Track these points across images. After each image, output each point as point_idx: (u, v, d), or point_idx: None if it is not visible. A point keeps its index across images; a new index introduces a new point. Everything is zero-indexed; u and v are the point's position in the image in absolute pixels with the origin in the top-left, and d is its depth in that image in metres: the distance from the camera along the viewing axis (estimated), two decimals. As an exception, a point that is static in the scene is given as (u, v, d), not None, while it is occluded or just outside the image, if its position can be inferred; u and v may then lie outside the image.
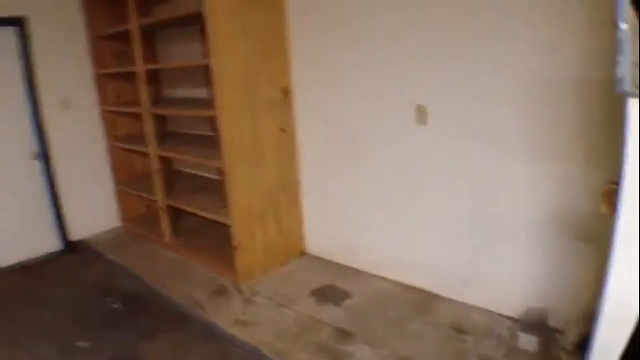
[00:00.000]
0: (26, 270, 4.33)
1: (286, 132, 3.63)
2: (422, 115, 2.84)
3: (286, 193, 3.75)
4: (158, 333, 3.13)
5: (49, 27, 4.32)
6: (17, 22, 4.16)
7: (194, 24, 3.30)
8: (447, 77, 2.70)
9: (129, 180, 4.86)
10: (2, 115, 4.25)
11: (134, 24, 3.84)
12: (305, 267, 3.72)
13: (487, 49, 2.50)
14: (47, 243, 4.60)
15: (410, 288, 3.23)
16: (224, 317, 3.15)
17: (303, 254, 3.91)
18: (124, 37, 4.16)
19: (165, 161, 4.39)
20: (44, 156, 4.46)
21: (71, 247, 4.68)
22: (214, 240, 4.10)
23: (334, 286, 3.34)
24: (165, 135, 4.63)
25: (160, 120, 4.41)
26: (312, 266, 3.72)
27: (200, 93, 4.34)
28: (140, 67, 3.96)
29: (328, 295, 3.24)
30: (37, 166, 4.46)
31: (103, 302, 3.61)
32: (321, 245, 3.83)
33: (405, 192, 3.12)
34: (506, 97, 2.50)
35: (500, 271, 2.79)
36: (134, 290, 3.75)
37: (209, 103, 3.55)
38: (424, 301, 3.08)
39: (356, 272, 3.52)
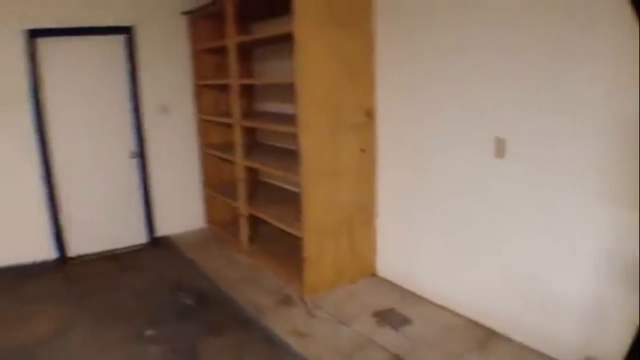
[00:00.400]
0: (114, 258, 4.76)
1: (366, 154, 3.73)
2: (500, 147, 2.83)
3: (361, 213, 3.82)
4: (220, 331, 3.30)
5: (154, 37, 4.77)
6: (126, 31, 4.64)
7: (287, 42, 3.50)
8: (528, 111, 2.67)
9: (215, 185, 5.17)
10: (107, 116, 4.74)
11: (231, 40, 4.12)
12: (372, 288, 3.75)
13: (571, 85, 2.46)
14: (136, 235, 5.01)
15: (472, 322, 3.16)
16: (284, 325, 3.26)
17: (372, 274, 3.95)
18: (222, 52, 4.48)
19: (251, 171, 4.63)
20: (141, 156, 4.89)
21: (156, 242, 5.06)
22: (287, 250, 4.24)
23: (396, 310, 3.35)
24: (253, 146, 4.88)
25: (249, 131, 4.68)
26: (379, 288, 3.74)
27: (290, 108, 4.55)
28: (235, 81, 4.24)
29: (389, 318, 3.26)
30: (134, 165, 4.90)
31: (176, 296, 3.87)
32: (391, 268, 3.86)
33: (477, 225, 3.08)
34: (587, 135, 2.43)
35: (562, 315, 2.68)
36: (206, 289, 3.98)
37: (295, 119, 3.73)
38: (483, 337, 3.01)
39: (420, 299, 3.50)
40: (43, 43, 4.37)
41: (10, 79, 4.28)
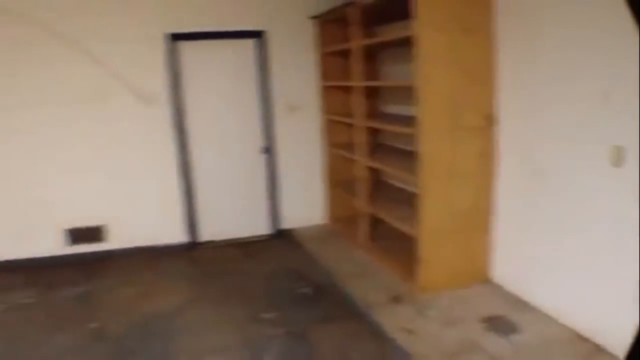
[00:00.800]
0: (239, 245, 5.24)
1: (484, 158, 3.73)
2: (618, 155, 2.71)
3: (477, 217, 3.82)
4: (332, 321, 3.54)
5: (283, 40, 5.15)
6: (258, 35, 5.07)
7: (410, 45, 3.61)
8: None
9: (337, 183, 5.41)
10: (239, 113, 5.23)
11: (356, 43, 4.33)
12: (483, 293, 3.74)
13: None
14: (261, 226, 5.44)
15: (581, 337, 3.06)
16: (393, 321, 3.38)
17: (485, 280, 3.93)
18: (347, 54, 4.71)
19: (372, 170, 4.81)
20: (269, 152, 5.29)
21: (279, 234, 5.44)
22: (403, 250, 4.33)
23: (505, 317, 3.33)
24: (375, 146, 5.06)
25: (372, 131, 4.85)
26: (491, 294, 3.72)
27: (412, 110, 4.66)
28: (358, 83, 4.44)
29: (497, 324, 3.25)
30: (263, 159, 5.31)
31: (294, 285, 4.19)
32: (505, 274, 3.81)
33: (596, 236, 2.98)
34: None
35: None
36: (322, 281, 4.25)
37: (415, 121, 3.84)
38: (590, 353, 2.89)
39: (532, 308, 3.43)
40: (183, 46, 4.96)
41: (154, 78, 4.92)
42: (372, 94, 5.06)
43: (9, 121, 4.74)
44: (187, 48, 4.99)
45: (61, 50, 4.66)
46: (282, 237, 5.42)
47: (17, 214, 4.95)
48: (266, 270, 4.57)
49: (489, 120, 3.65)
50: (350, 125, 4.96)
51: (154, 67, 4.92)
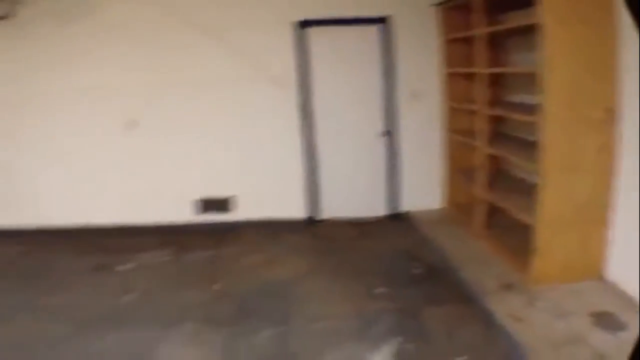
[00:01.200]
0: (356, 225, 5.60)
1: (605, 151, 3.68)
2: None
3: (596, 212, 3.77)
4: (442, 302, 3.78)
5: (407, 26, 5.36)
6: (382, 21, 5.31)
7: (533, 33, 3.64)
8: None
9: (457, 169, 5.52)
10: (362, 97, 5.54)
11: (479, 30, 4.42)
12: (596, 289, 3.72)
13: None
14: (378, 208, 5.75)
15: None
16: (502, 308, 3.51)
17: (599, 276, 3.90)
18: (470, 41, 4.77)
19: (492, 158, 4.87)
20: (390, 135, 5.55)
21: (396, 216, 5.71)
22: (518, 240, 4.37)
23: (615, 315, 3.31)
24: (496, 134, 5.09)
25: (493, 120, 4.90)
26: (604, 290, 3.69)
27: (533, 100, 4.64)
28: (481, 70, 4.54)
29: (606, 321, 3.25)
30: (383, 143, 5.58)
31: (408, 265, 4.47)
32: (620, 272, 3.74)
33: None
34: None
35: None
36: (435, 263, 4.48)
37: (536, 110, 3.88)
38: None
39: (646, 308, 3.43)
40: (310, 32, 5.36)
41: (283, 63, 5.42)
42: (495, 81, 5.09)
43: (155, 99, 5.54)
44: (314, 34, 5.39)
45: (197, 38, 5.35)
46: (398, 219, 5.68)
47: (155, 183, 5.77)
48: (381, 250, 4.89)
49: (610, 114, 3.61)
50: (471, 112, 5.04)
51: (283, 53, 5.40)
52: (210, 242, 5.34)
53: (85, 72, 5.49)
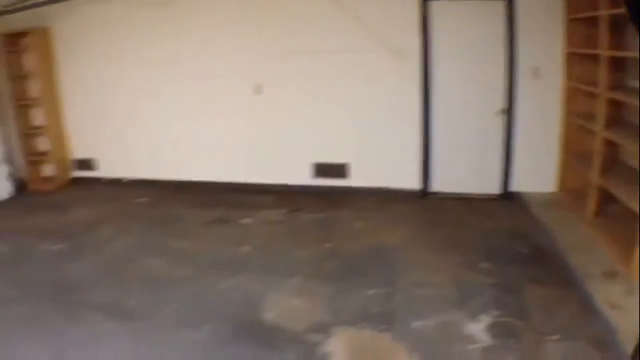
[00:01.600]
0: (466, 201, 5.84)
1: None
2: None
3: None
4: (543, 283, 3.96)
5: (531, 3, 5.37)
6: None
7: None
8: None
9: (573, 153, 5.50)
10: (481, 73, 5.68)
11: (605, 11, 4.38)
12: None
13: None
14: (489, 186, 5.91)
15: None
16: (602, 294, 3.63)
17: None
18: (595, 22, 4.68)
19: (610, 145, 4.80)
20: (508, 114, 5.65)
21: (506, 196, 5.84)
22: (627, 231, 4.37)
23: None
24: (616, 120, 4.99)
25: (615, 105, 4.84)
26: None
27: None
28: (604, 52, 4.52)
29: None
30: (500, 121, 5.70)
31: (513, 244, 4.67)
32: None
33: None
34: None
35: None
36: (541, 244, 4.64)
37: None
38: None
39: None
40: (435, 5, 5.57)
41: (406, 35, 5.70)
42: (619, 65, 5.02)
43: (279, 65, 6.12)
44: (438, 7, 5.59)
45: (322, 7, 5.80)
46: (508, 199, 5.81)
47: (276, 147, 6.41)
48: (488, 227, 5.11)
49: None
50: (591, 95, 5.01)
51: (407, 25, 5.67)
52: (323, 205, 5.87)
53: (219, 39, 6.24)
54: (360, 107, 6.04)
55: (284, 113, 6.29)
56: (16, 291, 4.24)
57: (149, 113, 6.76)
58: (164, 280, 4.32)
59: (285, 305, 3.87)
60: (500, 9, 5.47)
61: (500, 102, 5.67)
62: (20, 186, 7.06)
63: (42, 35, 6.80)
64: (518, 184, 5.85)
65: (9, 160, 6.95)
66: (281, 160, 6.43)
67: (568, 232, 4.77)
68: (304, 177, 6.39)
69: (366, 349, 3.39)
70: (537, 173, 5.81)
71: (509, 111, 5.65)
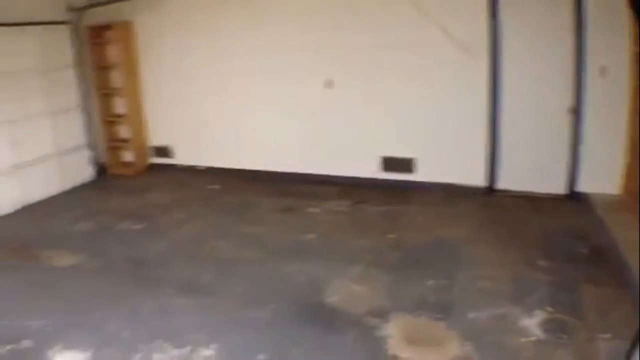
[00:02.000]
0: (531, 200, 5.94)
1: None
2: None
3: None
4: (600, 284, 4.07)
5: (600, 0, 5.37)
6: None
7: None
8: None
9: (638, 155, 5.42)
10: (550, 70, 5.72)
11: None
12: None
13: None
14: (555, 185, 5.94)
15: None
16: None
17: None
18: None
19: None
20: (576, 113, 5.67)
21: (573, 196, 5.86)
22: None
23: None
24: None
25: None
26: None
27: None
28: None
29: None
30: (568, 120, 5.74)
31: (574, 244, 4.77)
32: None
33: None
34: None
35: None
36: (602, 246, 4.70)
37: None
38: None
39: None
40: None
41: (474, 29, 5.85)
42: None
43: (349, 60, 6.41)
44: (506, 2, 5.69)
45: (390, 2, 6.05)
46: (573, 199, 5.83)
47: (344, 140, 6.70)
48: (550, 226, 5.22)
49: None
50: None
51: (475, 20, 5.80)
52: (388, 198, 6.15)
53: (294, 34, 6.62)
54: (428, 103, 6.24)
55: (353, 107, 6.59)
56: (100, 262, 4.88)
57: (223, 105, 7.26)
58: (233, 261, 4.76)
59: (347, 290, 4.17)
60: (568, 5, 5.50)
61: (567, 100, 5.70)
62: (101, 170, 7.73)
63: (125, 28, 7.40)
64: (584, 185, 5.87)
65: (92, 145, 7.62)
66: (349, 153, 6.75)
67: (630, 235, 4.77)
68: (371, 170, 6.67)
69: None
70: (604, 174, 5.79)
71: (578, 110, 5.67)
